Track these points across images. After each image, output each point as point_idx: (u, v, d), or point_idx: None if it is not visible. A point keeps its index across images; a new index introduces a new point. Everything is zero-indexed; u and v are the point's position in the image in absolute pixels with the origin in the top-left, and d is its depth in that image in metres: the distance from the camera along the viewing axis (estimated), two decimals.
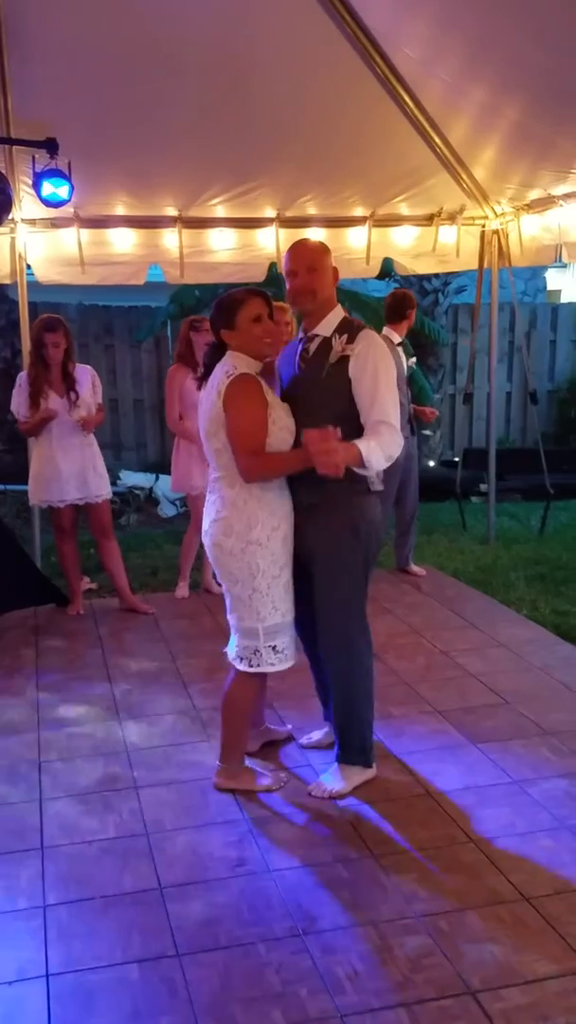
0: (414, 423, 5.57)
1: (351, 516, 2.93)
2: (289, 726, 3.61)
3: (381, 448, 2.77)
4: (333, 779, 3.15)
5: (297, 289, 2.91)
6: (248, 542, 2.88)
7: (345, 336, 2.89)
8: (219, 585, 5.41)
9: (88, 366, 5.16)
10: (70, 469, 4.96)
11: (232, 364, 2.86)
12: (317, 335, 2.94)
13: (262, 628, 2.95)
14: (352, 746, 3.14)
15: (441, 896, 2.56)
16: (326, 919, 2.47)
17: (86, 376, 5.03)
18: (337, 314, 2.96)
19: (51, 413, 4.84)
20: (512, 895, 2.56)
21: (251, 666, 3.00)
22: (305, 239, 3.11)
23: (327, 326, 2.93)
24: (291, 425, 2.88)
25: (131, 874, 2.70)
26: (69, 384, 4.92)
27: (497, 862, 2.72)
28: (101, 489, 5.08)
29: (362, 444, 2.73)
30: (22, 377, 4.97)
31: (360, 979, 2.25)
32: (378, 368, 2.84)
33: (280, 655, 3.00)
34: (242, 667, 3.02)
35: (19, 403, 4.93)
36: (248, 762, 3.26)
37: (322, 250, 2.98)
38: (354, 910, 2.51)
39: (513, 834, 2.86)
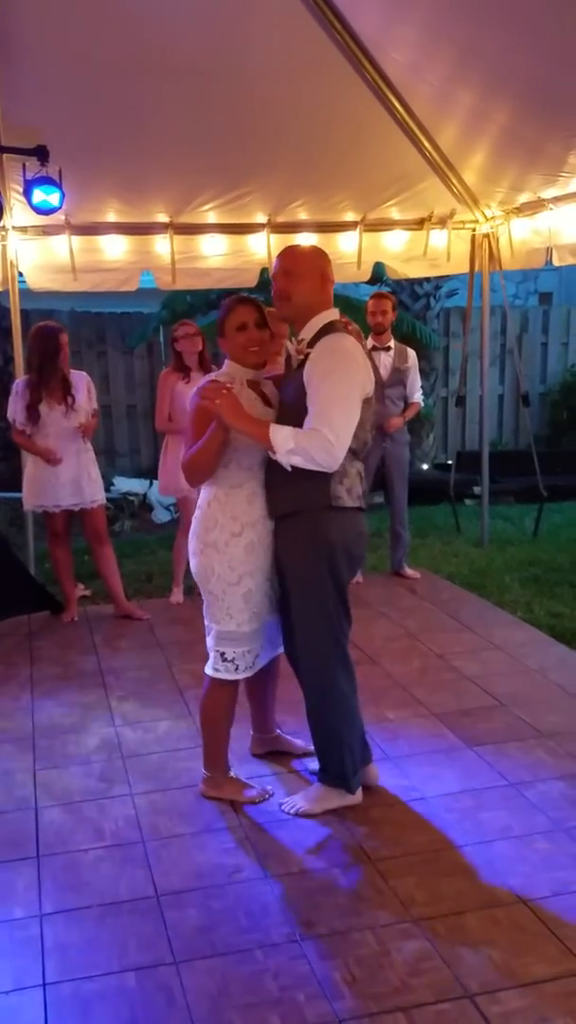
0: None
1: (313, 531, 2.81)
2: (300, 742, 3.44)
3: (296, 441, 2.64)
4: (306, 797, 3.07)
5: (274, 293, 2.89)
6: (205, 544, 2.91)
7: (304, 341, 2.83)
8: None
9: (83, 372, 5.16)
10: (66, 475, 4.96)
11: (219, 373, 2.93)
12: (303, 339, 2.89)
13: (214, 631, 2.98)
14: (329, 769, 3.03)
15: (438, 900, 2.56)
16: (323, 924, 2.47)
17: (82, 382, 5.04)
18: (322, 319, 2.82)
19: (52, 456, 4.86)
20: (509, 898, 2.56)
21: (211, 670, 3.02)
22: (295, 245, 3.06)
23: (309, 331, 2.83)
24: None
25: (127, 882, 2.70)
26: (66, 390, 4.92)
27: (494, 865, 2.72)
28: (95, 495, 5.08)
29: (277, 427, 2.69)
30: (19, 384, 4.97)
31: (358, 984, 2.24)
32: (327, 373, 2.70)
33: (228, 664, 2.96)
34: (207, 670, 3.04)
35: (16, 410, 4.92)
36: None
37: (302, 254, 2.89)
38: (351, 915, 2.51)
39: (509, 837, 2.86)
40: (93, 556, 5.29)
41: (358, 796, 3.07)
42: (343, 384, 2.71)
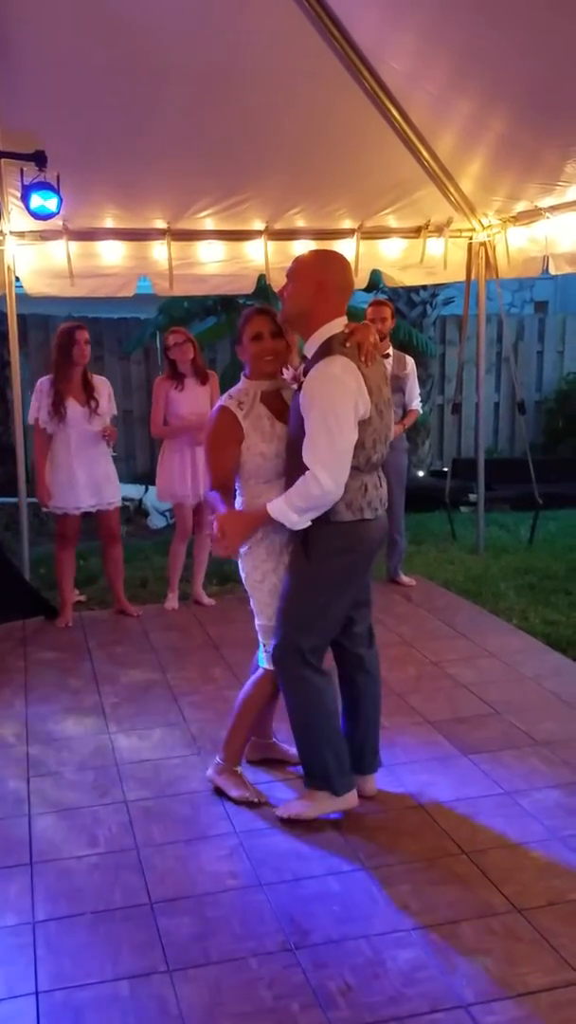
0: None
1: (306, 540, 2.83)
2: (295, 750, 3.37)
3: (293, 506, 2.70)
4: (298, 801, 3.06)
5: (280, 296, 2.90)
6: (240, 546, 3.04)
7: (302, 367, 2.83)
8: (209, 597, 5.50)
9: (104, 378, 5.26)
10: (86, 478, 5.04)
11: (235, 389, 3.00)
12: (303, 361, 2.88)
13: (257, 625, 3.10)
14: (313, 774, 3.01)
15: (433, 909, 2.55)
16: (318, 933, 2.46)
17: (104, 388, 5.13)
18: (323, 334, 2.76)
19: (45, 501, 5.00)
20: (504, 907, 2.56)
21: (263, 662, 3.11)
22: (312, 250, 3.08)
23: (311, 348, 2.80)
24: (269, 450, 2.91)
25: (121, 889, 2.68)
26: (89, 393, 4.99)
27: (489, 874, 2.71)
28: (113, 497, 5.18)
29: (272, 505, 2.75)
30: (43, 382, 5.01)
31: (352, 993, 2.23)
32: (312, 403, 2.68)
33: (268, 656, 3.04)
34: (261, 662, 3.13)
35: (38, 407, 4.97)
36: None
37: (301, 259, 2.85)
38: (346, 923, 2.50)
39: (505, 845, 2.86)
40: (103, 554, 5.38)
41: (350, 800, 3.01)
42: (329, 415, 2.66)
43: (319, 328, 2.78)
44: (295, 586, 2.90)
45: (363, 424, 2.74)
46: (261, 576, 3.01)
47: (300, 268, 2.82)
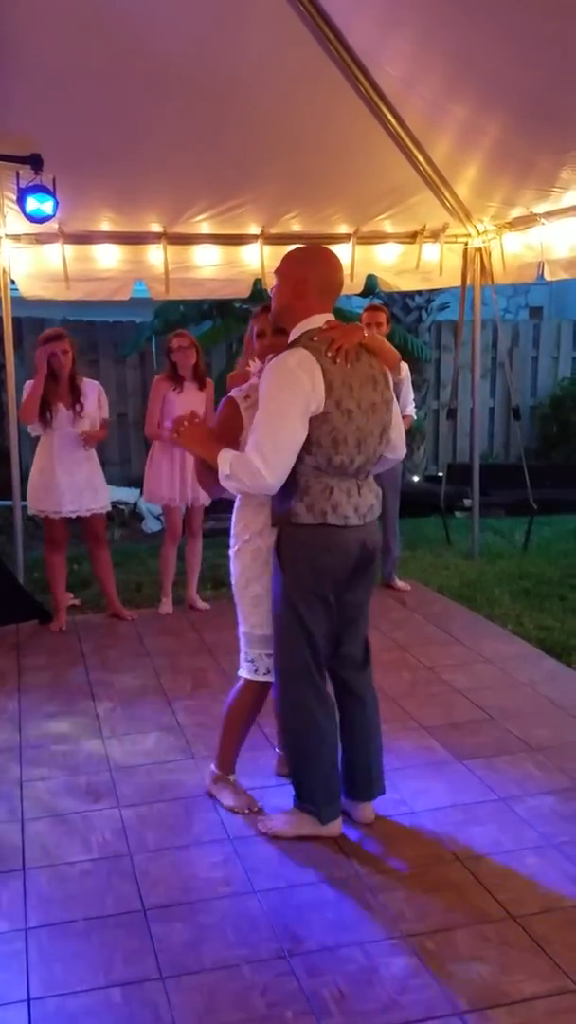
0: None
1: (277, 546, 2.81)
2: None
3: (231, 467, 2.64)
4: (280, 817, 3.01)
5: None
6: (229, 548, 3.04)
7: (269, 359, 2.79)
8: (203, 601, 5.49)
9: (96, 381, 5.24)
10: (67, 482, 5.01)
11: (247, 384, 2.96)
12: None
13: (240, 631, 3.07)
14: (298, 791, 2.95)
15: (427, 915, 2.55)
16: (312, 940, 2.45)
17: (93, 391, 5.12)
18: (301, 329, 2.73)
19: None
20: (499, 914, 2.55)
21: (241, 671, 3.09)
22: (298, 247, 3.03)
23: (290, 343, 2.76)
24: None
25: (114, 895, 2.67)
26: (75, 396, 4.98)
27: (483, 880, 2.70)
28: (96, 503, 5.14)
29: (225, 451, 2.69)
30: (28, 385, 4.99)
31: (346, 1000, 2.22)
32: (266, 393, 2.64)
33: (249, 664, 3.03)
34: (239, 671, 3.11)
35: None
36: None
37: (285, 256, 2.81)
38: (340, 930, 2.49)
39: (499, 852, 2.85)
40: (91, 558, 5.36)
41: (332, 829, 2.92)
42: (274, 404, 2.61)
43: (298, 324, 2.75)
44: (275, 597, 2.85)
45: (317, 421, 2.64)
46: (245, 582, 2.98)
47: (282, 265, 2.80)
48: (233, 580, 3.04)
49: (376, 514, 2.91)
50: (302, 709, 2.86)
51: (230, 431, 2.88)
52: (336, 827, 2.94)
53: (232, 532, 3.03)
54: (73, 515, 5.07)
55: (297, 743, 2.92)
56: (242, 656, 3.07)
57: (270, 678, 3.00)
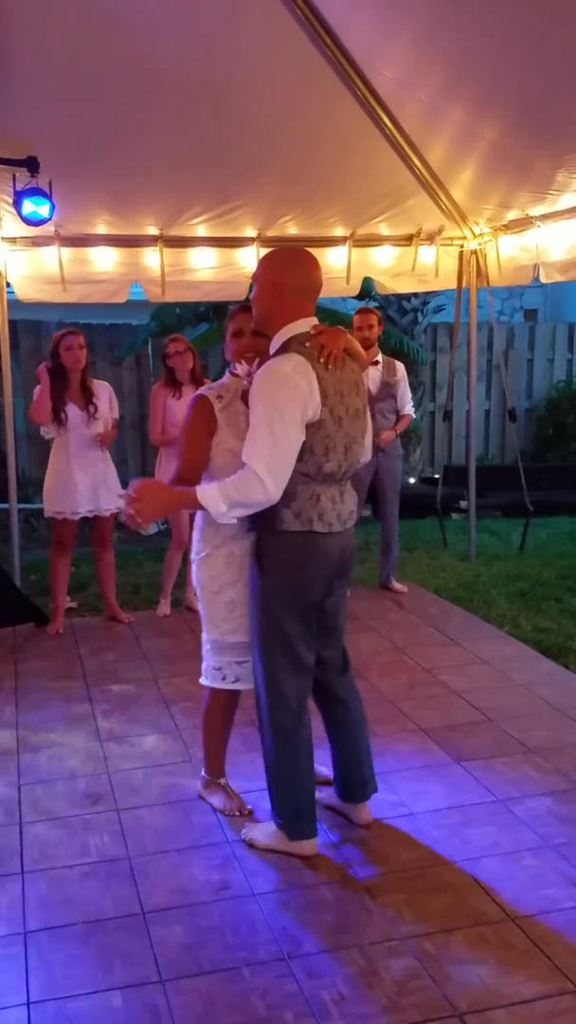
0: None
1: (257, 552, 2.75)
2: (324, 769, 3.17)
3: (226, 496, 2.54)
4: (259, 827, 2.96)
5: None
6: (196, 554, 2.99)
7: (257, 363, 2.75)
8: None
9: (106, 382, 5.30)
10: (84, 482, 5.07)
11: (217, 383, 2.92)
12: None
13: (204, 639, 3.02)
14: (274, 809, 2.88)
15: (426, 918, 2.55)
16: (311, 942, 2.45)
17: (104, 392, 5.18)
18: (285, 334, 2.67)
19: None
20: (498, 915, 2.55)
21: (203, 678, 3.06)
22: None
23: (273, 348, 2.69)
24: (240, 448, 2.65)
25: (113, 899, 2.67)
26: (88, 397, 5.02)
27: (482, 882, 2.71)
28: (112, 503, 5.17)
29: (202, 489, 2.59)
30: (38, 390, 5.01)
31: (346, 1003, 2.22)
32: (256, 400, 2.57)
33: (216, 672, 2.99)
34: (200, 678, 3.09)
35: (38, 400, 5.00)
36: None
37: (262, 261, 2.79)
38: (339, 933, 2.49)
39: (498, 853, 2.85)
40: (95, 559, 5.39)
41: (303, 848, 2.84)
42: (273, 412, 2.54)
43: (281, 329, 2.69)
44: (253, 605, 2.79)
45: (312, 428, 2.61)
46: (218, 587, 2.90)
47: (258, 270, 2.76)
48: (200, 586, 2.95)
49: (355, 520, 2.88)
50: (278, 730, 2.80)
51: (202, 431, 2.80)
52: (308, 846, 2.85)
53: (198, 537, 2.94)
54: (91, 515, 5.14)
55: (273, 762, 2.85)
56: (205, 665, 3.02)
57: (239, 686, 2.98)
